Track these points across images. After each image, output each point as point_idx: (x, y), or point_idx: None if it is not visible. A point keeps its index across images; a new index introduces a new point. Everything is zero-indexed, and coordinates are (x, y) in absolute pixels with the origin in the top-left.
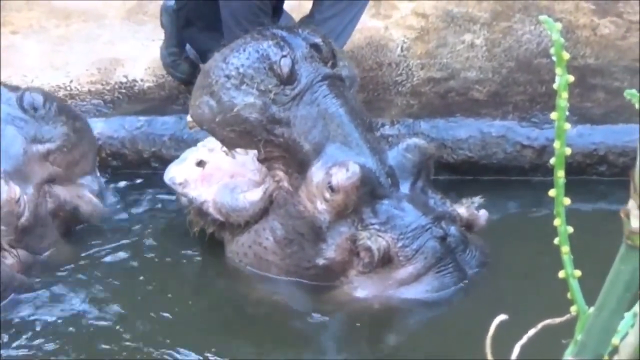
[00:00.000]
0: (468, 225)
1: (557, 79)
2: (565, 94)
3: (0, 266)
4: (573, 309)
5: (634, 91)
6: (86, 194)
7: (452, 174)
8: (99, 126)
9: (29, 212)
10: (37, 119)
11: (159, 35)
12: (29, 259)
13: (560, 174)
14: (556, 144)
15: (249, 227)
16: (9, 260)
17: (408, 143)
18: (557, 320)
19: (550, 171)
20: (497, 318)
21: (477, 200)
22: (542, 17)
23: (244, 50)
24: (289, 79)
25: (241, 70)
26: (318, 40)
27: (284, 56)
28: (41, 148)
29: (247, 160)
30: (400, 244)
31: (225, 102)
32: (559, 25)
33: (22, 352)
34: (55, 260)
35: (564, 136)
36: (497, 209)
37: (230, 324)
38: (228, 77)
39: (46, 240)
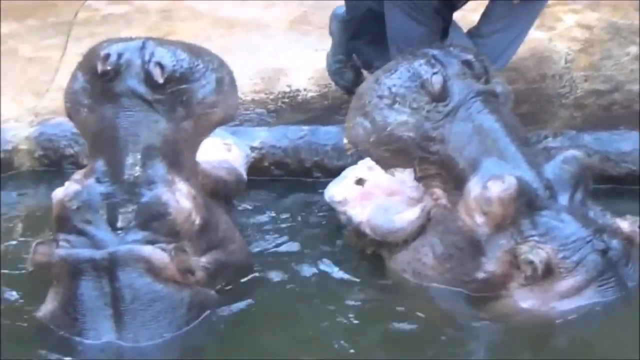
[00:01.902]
0: (628, 241)
1: None
2: None
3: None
4: None
5: None
6: (229, 165)
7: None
8: (262, 135)
9: (198, 209)
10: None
11: (323, 45)
12: (213, 265)
13: None
14: None
15: (407, 245)
16: (199, 273)
17: (566, 155)
18: None
19: None
20: None
21: None
22: None
23: (396, 71)
24: (441, 96)
25: (393, 89)
26: (470, 57)
27: (435, 73)
28: (186, 126)
29: (405, 177)
30: (560, 256)
31: (379, 122)
32: None
33: None
34: (236, 257)
35: None
36: None
37: (391, 335)
38: (381, 97)
39: (220, 226)
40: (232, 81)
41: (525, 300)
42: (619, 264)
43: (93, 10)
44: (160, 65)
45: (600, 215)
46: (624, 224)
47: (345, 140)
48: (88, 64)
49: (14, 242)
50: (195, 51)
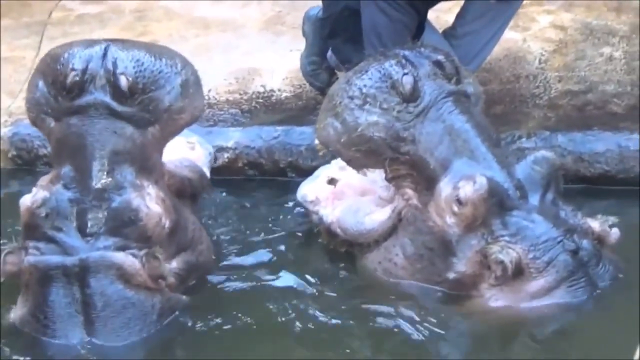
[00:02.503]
0: (599, 241)
1: None
2: None
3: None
4: None
5: None
6: (190, 162)
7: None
8: (236, 135)
9: (167, 212)
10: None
11: (297, 46)
12: (183, 268)
13: None
14: None
15: (378, 245)
16: (170, 279)
17: (536, 155)
18: None
19: None
20: None
21: (612, 218)
22: None
23: (367, 71)
24: (412, 96)
25: (364, 90)
26: (441, 57)
27: (406, 74)
28: (153, 130)
29: (377, 177)
30: (531, 256)
31: (350, 123)
32: None
33: None
34: (205, 257)
35: None
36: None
37: (359, 332)
38: (351, 97)
39: (189, 227)
40: (197, 81)
41: (495, 300)
42: (590, 264)
43: (67, 10)
44: (124, 76)
45: (572, 215)
46: (595, 224)
47: (316, 141)
48: (50, 72)
49: None
50: (158, 54)
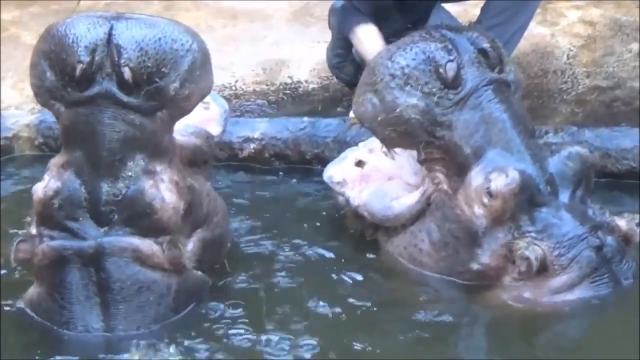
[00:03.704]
0: (625, 239)
1: None
2: None
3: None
4: None
5: None
6: (195, 128)
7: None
8: (263, 126)
9: (182, 195)
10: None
11: (325, 38)
12: (199, 247)
13: None
14: None
15: (405, 229)
16: (189, 264)
17: (570, 151)
18: None
19: None
20: None
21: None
22: None
23: (411, 50)
24: (454, 83)
25: (406, 70)
26: (486, 45)
27: (451, 60)
28: (161, 115)
29: (405, 162)
30: (556, 253)
31: (389, 102)
32: None
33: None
34: (221, 229)
35: None
36: None
37: (381, 320)
38: (393, 76)
39: (202, 201)
40: (204, 61)
41: (517, 294)
42: (613, 261)
43: None
44: (128, 67)
45: (599, 214)
46: (622, 222)
47: (351, 114)
48: (56, 61)
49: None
50: (163, 36)
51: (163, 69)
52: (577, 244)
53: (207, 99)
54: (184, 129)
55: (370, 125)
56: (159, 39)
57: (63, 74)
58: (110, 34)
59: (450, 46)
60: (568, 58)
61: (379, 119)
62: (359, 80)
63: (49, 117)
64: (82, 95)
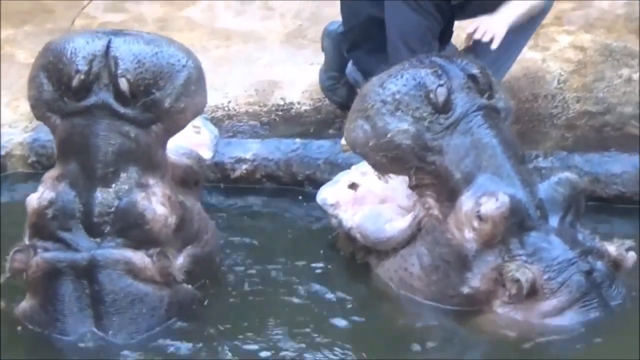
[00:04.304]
0: (615, 264)
1: None
2: None
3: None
4: None
5: None
6: (186, 149)
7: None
8: (255, 147)
9: (173, 209)
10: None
11: (317, 59)
12: (189, 262)
13: None
14: None
15: (396, 252)
16: (179, 277)
17: (560, 177)
18: None
19: None
20: None
21: (629, 242)
22: None
23: (402, 77)
24: (444, 108)
25: (397, 96)
26: (476, 71)
27: (441, 85)
28: (156, 129)
29: (398, 185)
30: (546, 277)
31: (380, 127)
32: None
33: None
34: (211, 246)
35: None
36: None
37: (373, 344)
38: (384, 102)
39: (194, 218)
40: (200, 77)
41: (507, 318)
42: (603, 286)
43: (90, 18)
44: (125, 78)
45: (589, 239)
46: (611, 248)
47: (343, 141)
48: (54, 72)
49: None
50: (160, 51)
51: (159, 82)
52: (567, 268)
53: (199, 124)
54: (176, 150)
55: (362, 151)
56: (156, 53)
57: (60, 84)
58: (108, 47)
59: (440, 72)
60: (559, 83)
61: (370, 144)
62: (352, 104)
63: (43, 135)
64: (78, 105)
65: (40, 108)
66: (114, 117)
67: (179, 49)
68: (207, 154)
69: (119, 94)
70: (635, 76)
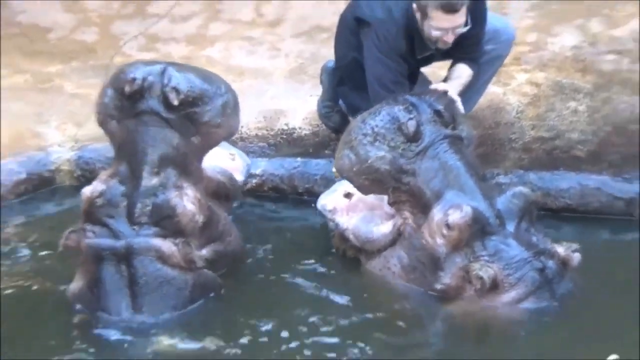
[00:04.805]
0: (563, 263)
1: None
2: None
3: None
4: None
5: None
6: (221, 169)
7: (554, 217)
8: (263, 165)
9: (201, 210)
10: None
11: (316, 92)
12: (212, 255)
13: None
14: None
15: (380, 253)
16: (200, 263)
17: (515, 191)
18: None
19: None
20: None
21: (575, 245)
22: None
23: (379, 114)
24: (415, 138)
25: (375, 129)
26: (440, 107)
27: (411, 119)
28: (195, 140)
29: (384, 195)
30: (505, 273)
31: (361, 155)
32: None
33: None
34: (233, 247)
35: None
36: (590, 246)
37: (364, 318)
38: (365, 134)
39: (220, 222)
40: (236, 105)
41: (474, 307)
42: (553, 280)
43: (126, 55)
44: (176, 90)
45: (542, 241)
46: (561, 249)
47: (333, 168)
48: (116, 82)
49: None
50: (207, 78)
51: (203, 99)
52: (523, 266)
53: (234, 151)
54: (213, 168)
55: (348, 175)
56: (204, 79)
57: (119, 90)
58: (164, 69)
59: (411, 108)
60: (517, 113)
61: (354, 170)
62: (344, 129)
63: (86, 153)
64: (132, 108)
65: (102, 112)
66: (160, 124)
67: (221, 80)
68: (239, 177)
69: (167, 103)
70: (581, 108)
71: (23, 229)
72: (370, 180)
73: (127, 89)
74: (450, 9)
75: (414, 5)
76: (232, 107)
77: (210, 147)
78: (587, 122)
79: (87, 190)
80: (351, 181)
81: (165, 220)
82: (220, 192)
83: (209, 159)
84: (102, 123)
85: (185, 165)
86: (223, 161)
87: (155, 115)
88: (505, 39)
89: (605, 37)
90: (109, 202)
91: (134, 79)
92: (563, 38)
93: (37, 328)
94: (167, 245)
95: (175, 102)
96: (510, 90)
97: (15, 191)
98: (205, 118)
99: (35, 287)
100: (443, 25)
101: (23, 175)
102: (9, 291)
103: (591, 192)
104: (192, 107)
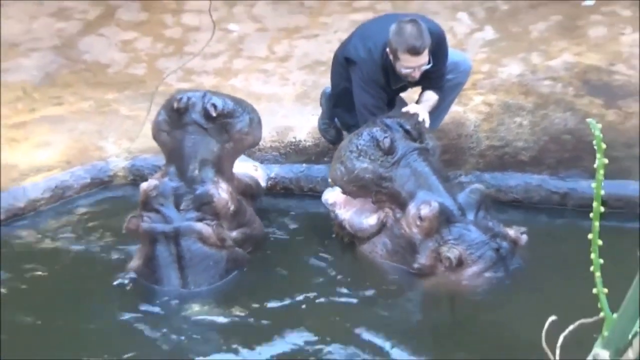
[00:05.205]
0: (514, 243)
1: (596, 161)
2: (602, 172)
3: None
4: (602, 314)
5: (592, 120)
6: (249, 175)
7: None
8: (276, 169)
9: (232, 200)
10: (223, 119)
11: (317, 112)
12: (241, 236)
13: (596, 223)
14: (595, 204)
15: (369, 240)
16: (230, 242)
17: (472, 187)
18: (591, 320)
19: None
20: (550, 318)
21: (522, 229)
22: (589, 120)
23: (362, 134)
24: (390, 151)
25: (359, 147)
26: (409, 127)
27: (386, 137)
28: (228, 146)
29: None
30: (468, 253)
31: (349, 168)
32: (599, 126)
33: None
34: (257, 232)
35: (600, 199)
36: (533, 230)
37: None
38: (351, 151)
39: (247, 212)
40: (259, 121)
41: (444, 280)
42: (507, 257)
43: (168, 85)
44: (214, 105)
45: (496, 225)
46: (511, 232)
47: (329, 179)
48: (168, 105)
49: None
50: (238, 101)
51: (235, 114)
52: (482, 247)
53: (257, 164)
54: (243, 173)
55: (340, 184)
56: (237, 102)
57: (169, 109)
58: (204, 93)
59: (385, 128)
60: (474, 127)
61: (345, 179)
62: (339, 142)
63: (137, 162)
64: (179, 121)
65: (156, 128)
66: (201, 133)
67: (247, 103)
68: (262, 183)
69: (207, 117)
70: (525, 122)
71: (89, 216)
72: (357, 187)
73: (175, 105)
74: (415, 52)
75: (387, 49)
76: (256, 121)
77: (240, 152)
78: (529, 134)
79: (144, 185)
80: (342, 189)
81: (204, 207)
82: (247, 192)
83: (239, 168)
84: (155, 136)
85: (221, 165)
86: (249, 171)
87: (197, 126)
88: (464, 69)
89: (543, 67)
90: (161, 193)
91: (181, 99)
92: (510, 68)
93: (106, 289)
94: (206, 229)
95: (214, 114)
96: (469, 109)
97: (82, 192)
98: (237, 127)
99: (102, 259)
100: (410, 65)
101: (88, 180)
102: (86, 257)
103: (533, 188)
104: (226, 118)
